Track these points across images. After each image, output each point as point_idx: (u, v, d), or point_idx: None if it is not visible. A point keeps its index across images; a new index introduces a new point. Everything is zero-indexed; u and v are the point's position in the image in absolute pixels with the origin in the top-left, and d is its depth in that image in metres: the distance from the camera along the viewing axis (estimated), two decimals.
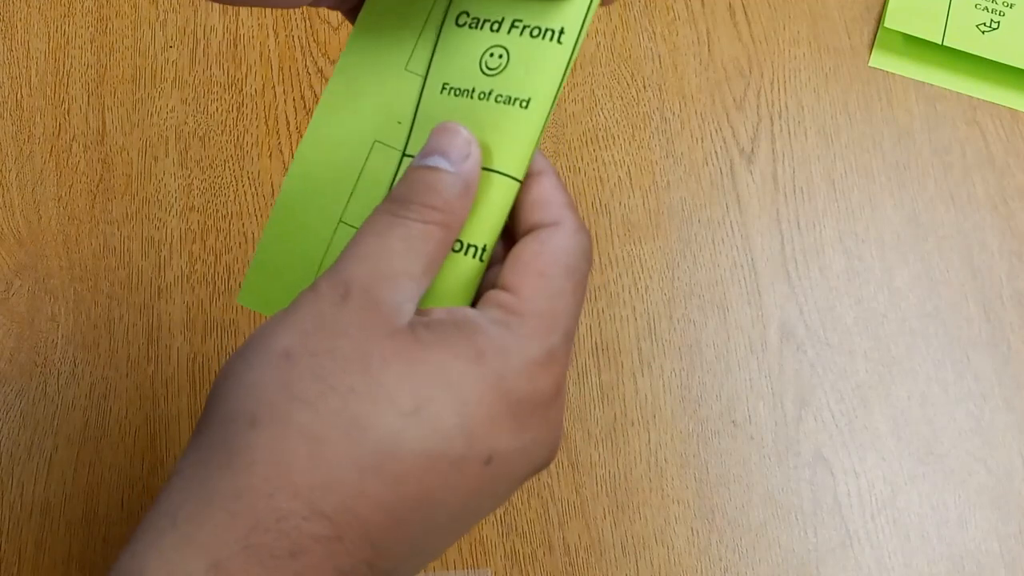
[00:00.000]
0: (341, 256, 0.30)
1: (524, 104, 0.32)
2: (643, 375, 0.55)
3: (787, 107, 0.60)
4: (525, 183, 0.32)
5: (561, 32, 0.32)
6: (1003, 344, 0.55)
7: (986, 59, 0.59)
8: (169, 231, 0.58)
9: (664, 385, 0.55)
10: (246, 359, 0.29)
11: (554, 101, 0.32)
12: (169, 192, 0.59)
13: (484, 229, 0.31)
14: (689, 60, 0.61)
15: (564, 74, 0.32)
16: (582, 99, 0.60)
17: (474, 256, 0.31)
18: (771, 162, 0.59)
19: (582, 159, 0.59)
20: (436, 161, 0.31)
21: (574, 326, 0.31)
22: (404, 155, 0.34)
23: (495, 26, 0.33)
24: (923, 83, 0.60)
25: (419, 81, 0.34)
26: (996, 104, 0.60)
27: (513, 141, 0.31)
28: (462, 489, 0.28)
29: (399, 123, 0.34)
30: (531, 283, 0.30)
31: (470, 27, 0.33)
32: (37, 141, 0.60)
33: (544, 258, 0.30)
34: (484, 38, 0.33)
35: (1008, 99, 0.60)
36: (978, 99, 0.60)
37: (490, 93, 0.32)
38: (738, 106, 0.60)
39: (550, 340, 0.29)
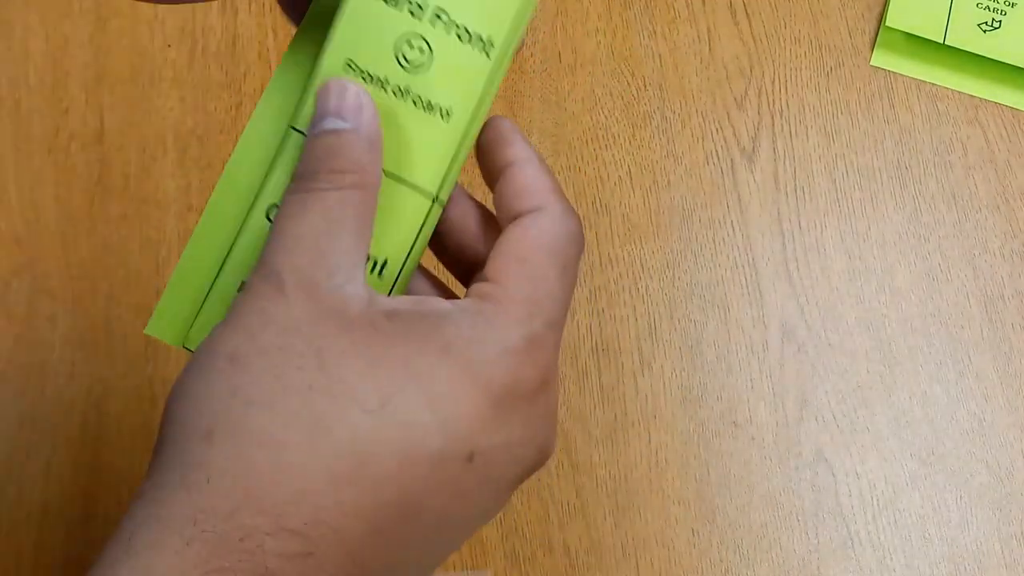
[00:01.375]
0: (265, 248, 0.28)
1: (445, 115, 0.30)
2: (644, 375, 0.55)
3: (788, 106, 0.60)
4: (508, 172, 0.30)
5: (490, 43, 0.30)
6: (1004, 344, 0.55)
7: (988, 58, 0.59)
8: (167, 231, 0.58)
9: (665, 386, 0.55)
10: (194, 371, 0.26)
11: (475, 117, 0.30)
12: (168, 192, 0.58)
13: (386, 243, 0.30)
14: (690, 59, 0.61)
15: (490, 89, 0.30)
16: (582, 98, 0.60)
17: (371, 271, 0.30)
18: (772, 161, 0.59)
19: (582, 158, 0.59)
20: (331, 123, 0.29)
21: (561, 313, 0.29)
22: None
23: (416, 9, 0.30)
24: (924, 82, 0.60)
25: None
26: (998, 103, 0.60)
27: (428, 152, 0.30)
28: (445, 491, 0.26)
29: None
30: (510, 269, 0.28)
31: (386, 1, 0.30)
32: (35, 141, 0.60)
33: (525, 243, 0.29)
34: (401, 21, 0.30)
35: (1010, 98, 0.60)
36: (980, 98, 0.60)
37: (406, 91, 0.30)
38: (739, 105, 0.60)
39: (530, 326, 0.27)
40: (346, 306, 0.26)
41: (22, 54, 0.61)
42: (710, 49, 0.61)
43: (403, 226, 0.30)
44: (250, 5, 0.62)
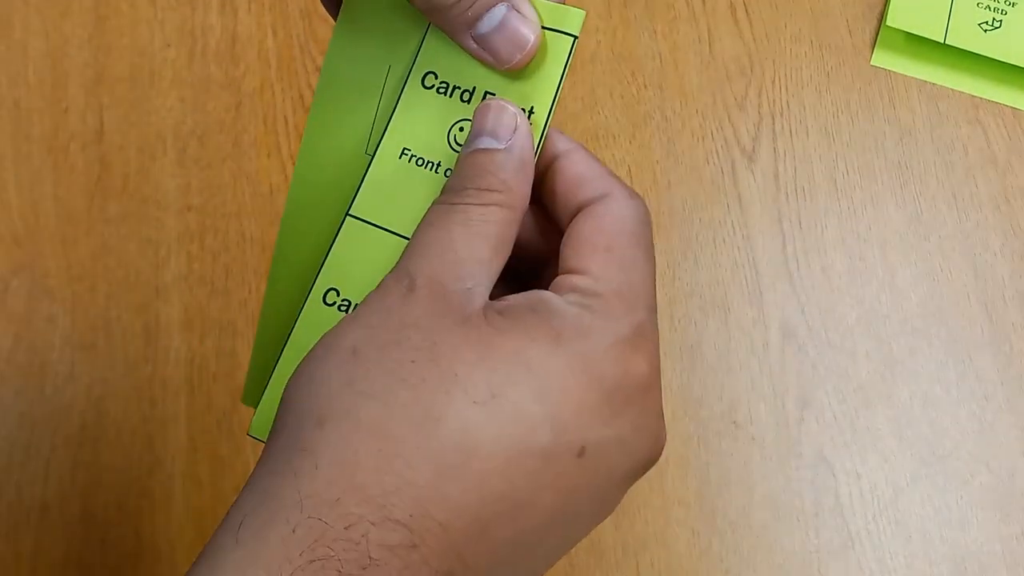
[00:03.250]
0: (404, 252, 0.28)
1: None
2: None
3: (789, 106, 0.60)
4: (558, 164, 0.30)
5: (531, 112, 0.30)
6: (1005, 344, 0.55)
7: (988, 58, 0.59)
8: (167, 231, 0.58)
9: (665, 386, 0.55)
10: (314, 361, 0.27)
11: None
12: (167, 191, 0.58)
13: None
14: (690, 58, 0.61)
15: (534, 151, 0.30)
16: (582, 98, 0.60)
17: None
18: (773, 161, 0.59)
19: None
20: (485, 142, 0.29)
21: (654, 297, 0.29)
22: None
23: (465, 96, 0.31)
24: (925, 82, 0.60)
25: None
26: (998, 103, 0.59)
27: None
28: (554, 487, 0.26)
29: None
30: (600, 260, 0.28)
31: (438, 92, 0.31)
32: (35, 141, 0.60)
33: (605, 232, 0.29)
34: (455, 109, 0.31)
35: (1010, 98, 0.60)
36: (980, 98, 0.60)
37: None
38: (739, 105, 0.60)
39: (636, 316, 0.27)
40: (465, 306, 0.27)
41: (22, 54, 0.61)
42: (710, 49, 0.61)
43: None
44: (250, 5, 0.62)
